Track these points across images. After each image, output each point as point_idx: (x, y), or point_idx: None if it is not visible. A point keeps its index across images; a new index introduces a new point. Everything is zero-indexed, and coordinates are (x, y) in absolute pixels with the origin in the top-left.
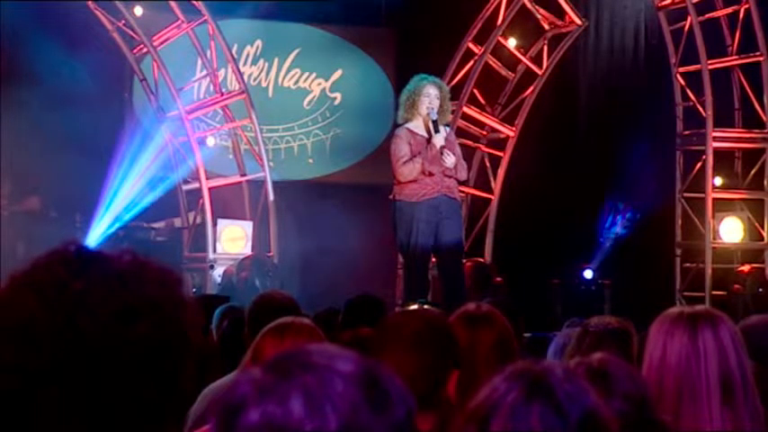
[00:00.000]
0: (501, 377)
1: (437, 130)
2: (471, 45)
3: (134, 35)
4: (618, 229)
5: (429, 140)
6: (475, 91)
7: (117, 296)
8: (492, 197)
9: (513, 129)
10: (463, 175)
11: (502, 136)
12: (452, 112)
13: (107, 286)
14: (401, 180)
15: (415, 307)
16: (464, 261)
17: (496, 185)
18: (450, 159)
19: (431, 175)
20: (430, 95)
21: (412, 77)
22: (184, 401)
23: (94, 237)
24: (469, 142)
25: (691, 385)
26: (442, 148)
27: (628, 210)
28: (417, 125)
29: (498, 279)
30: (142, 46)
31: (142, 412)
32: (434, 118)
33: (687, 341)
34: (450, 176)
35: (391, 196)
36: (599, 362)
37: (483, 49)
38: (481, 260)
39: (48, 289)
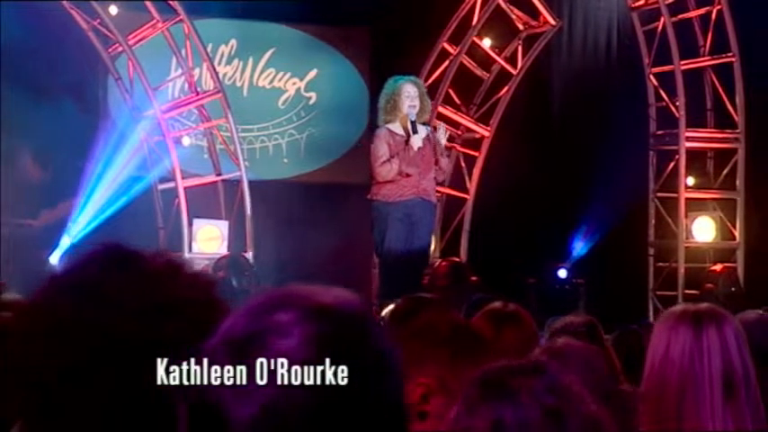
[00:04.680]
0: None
1: (415, 131)
2: (446, 45)
3: (109, 34)
4: (582, 245)
5: (407, 141)
6: (450, 91)
7: (148, 297)
8: (467, 197)
9: (489, 128)
10: (440, 175)
11: (477, 136)
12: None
13: (139, 287)
14: (379, 180)
15: (391, 308)
16: (432, 262)
17: (472, 185)
18: (441, 131)
19: (408, 176)
20: (410, 95)
21: (386, 78)
22: None
23: (68, 239)
24: (445, 142)
25: (693, 382)
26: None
27: (592, 227)
28: (397, 126)
29: (474, 278)
30: (117, 45)
31: (172, 410)
32: (413, 119)
33: (691, 338)
34: (429, 178)
35: (369, 196)
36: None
37: (458, 50)
38: (457, 259)
39: (81, 290)
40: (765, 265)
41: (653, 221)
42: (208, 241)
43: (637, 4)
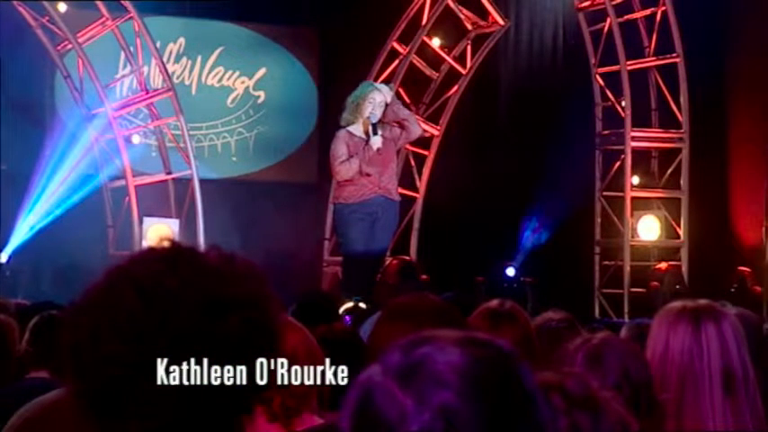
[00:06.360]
0: None
1: (375, 133)
2: (396, 45)
3: (58, 32)
4: (530, 244)
5: (367, 142)
6: (400, 90)
7: (209, 292)
8: (417, 195)
9: (438, 128)
10: (416, 129)
11: (427, 135)
12: None
13: (200, 283)
14: (338, 179)
15: (350, 305)
16: (386, 261)
17: (422, 184)
18: (403, 112)
19: (368, 175)
20: (374, 101)
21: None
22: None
23: (16, 241)
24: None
25: (693, 379)
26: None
27: (539, 226)
28: (357, 128)
29: (424, 277)
30: (66, 42)
31: (231, 403)
32: (374, 121)
33: (690, 335)
34: (390, 177)
35: (331, 201)
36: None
37: (408, 49)
38: (407, 258)
39: (145, 284)
40: (709, 263)
41: (599, 220)
42: (158, 240)
43: (583, 4)
